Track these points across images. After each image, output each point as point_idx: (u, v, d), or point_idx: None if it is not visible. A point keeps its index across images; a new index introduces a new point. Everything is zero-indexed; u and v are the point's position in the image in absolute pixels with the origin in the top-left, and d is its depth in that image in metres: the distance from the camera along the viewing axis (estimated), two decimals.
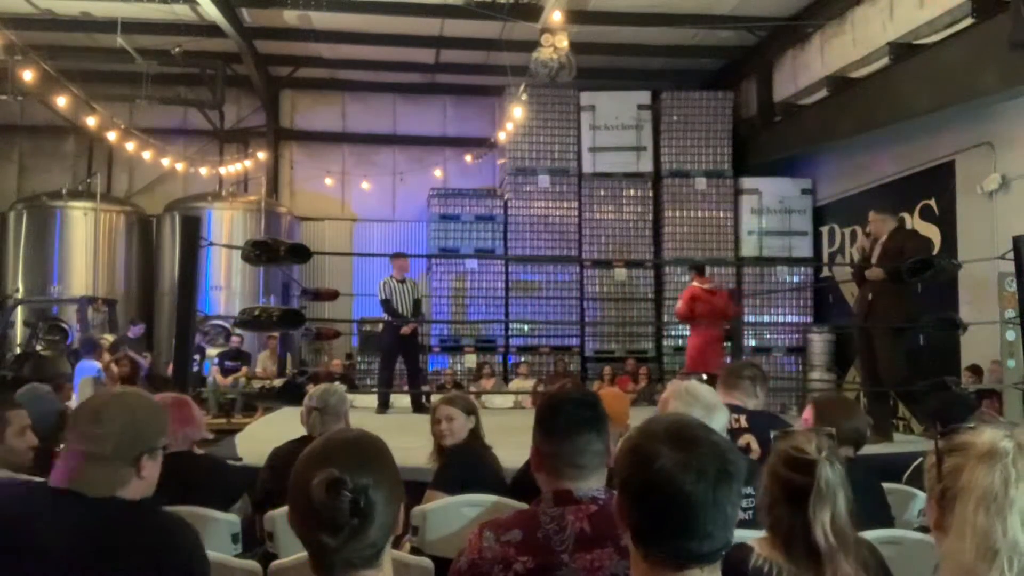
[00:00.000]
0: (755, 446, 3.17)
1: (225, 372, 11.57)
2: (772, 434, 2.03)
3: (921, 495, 2.94)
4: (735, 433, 3.27)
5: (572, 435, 1.93)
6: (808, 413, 3.24)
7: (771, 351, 12.39)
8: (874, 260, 6.13)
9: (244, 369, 11.72)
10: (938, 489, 1.35)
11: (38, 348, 12.18)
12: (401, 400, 8.42)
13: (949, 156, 9.63)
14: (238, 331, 11.52)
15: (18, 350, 12.30)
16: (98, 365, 9.03)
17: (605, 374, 11.69)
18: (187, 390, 4.78)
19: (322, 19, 11.86)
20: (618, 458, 1.41)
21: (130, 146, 12.61)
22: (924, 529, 2.64)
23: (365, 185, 14.83)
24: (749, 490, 2.35)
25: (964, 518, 1.28)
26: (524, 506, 2.72)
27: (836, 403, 3.62)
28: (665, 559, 1.31)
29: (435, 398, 7.06)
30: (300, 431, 3.80)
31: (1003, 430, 1.34)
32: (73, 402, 7.04)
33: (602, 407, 2.03)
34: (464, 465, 3.46)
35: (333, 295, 9.51)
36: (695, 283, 8.65)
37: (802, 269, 12.82)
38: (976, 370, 8.69)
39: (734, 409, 3.37)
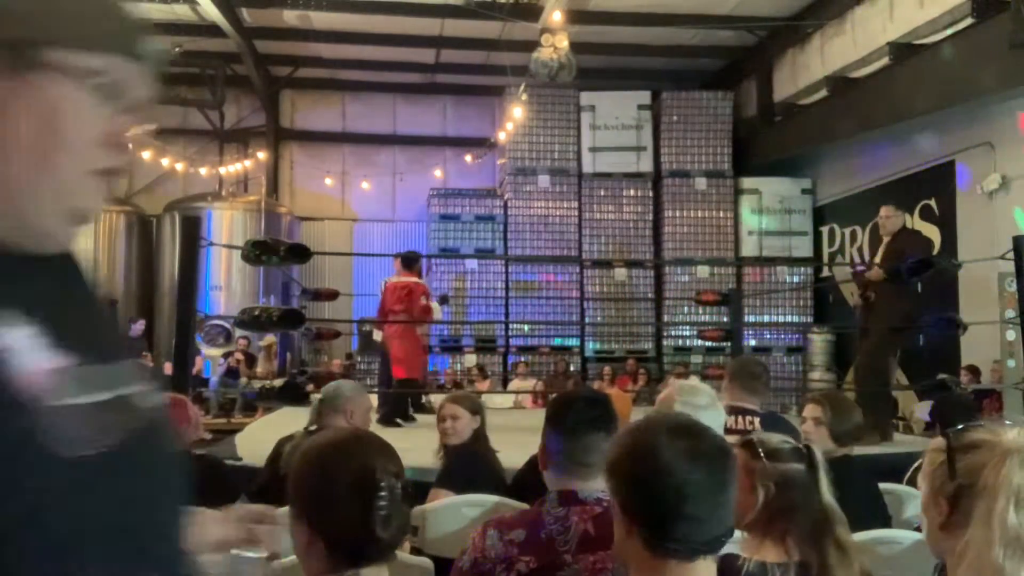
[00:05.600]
0: None
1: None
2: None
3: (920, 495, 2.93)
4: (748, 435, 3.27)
5: (581, 433, 1.93)
6: (812, 411, 3.22)
7: (771, 351, 12.36)
8: (879, 260, 6.15)
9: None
10: (951, 487, 1.34)
11: None
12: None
13: (949, 156, 9.64)
14: (243, 332, 11.52)
15: None
16: None
17: (605, 374, 11.70)
18: (186, 390, 4.79)
19: (322, 19, 11.85)
20: (619, 458, 1.41)
21: (130, 146, 12.58)
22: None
23: (365, 185, 14.82)
24: None
25: (991, 515, 1.27)
26: (525, 506, 2.72)
27: (837, 399, 3.58)
28: (678, 550, 1.31)
29: (435, 398, 7.06)
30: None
31: (1019, 427, 1.35)
32: None
33: (613, 408, 2.03)
34: (468, 464, 3.47)
35: (333, 295, 9.50)
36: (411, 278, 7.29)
37: (802, 269, 12.82)
38: (974, 370, 8.70)
39: (747, 412, 3.38)
